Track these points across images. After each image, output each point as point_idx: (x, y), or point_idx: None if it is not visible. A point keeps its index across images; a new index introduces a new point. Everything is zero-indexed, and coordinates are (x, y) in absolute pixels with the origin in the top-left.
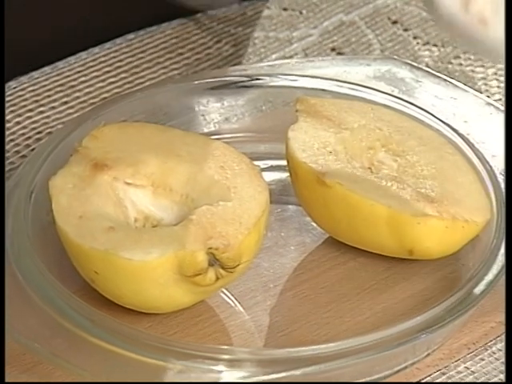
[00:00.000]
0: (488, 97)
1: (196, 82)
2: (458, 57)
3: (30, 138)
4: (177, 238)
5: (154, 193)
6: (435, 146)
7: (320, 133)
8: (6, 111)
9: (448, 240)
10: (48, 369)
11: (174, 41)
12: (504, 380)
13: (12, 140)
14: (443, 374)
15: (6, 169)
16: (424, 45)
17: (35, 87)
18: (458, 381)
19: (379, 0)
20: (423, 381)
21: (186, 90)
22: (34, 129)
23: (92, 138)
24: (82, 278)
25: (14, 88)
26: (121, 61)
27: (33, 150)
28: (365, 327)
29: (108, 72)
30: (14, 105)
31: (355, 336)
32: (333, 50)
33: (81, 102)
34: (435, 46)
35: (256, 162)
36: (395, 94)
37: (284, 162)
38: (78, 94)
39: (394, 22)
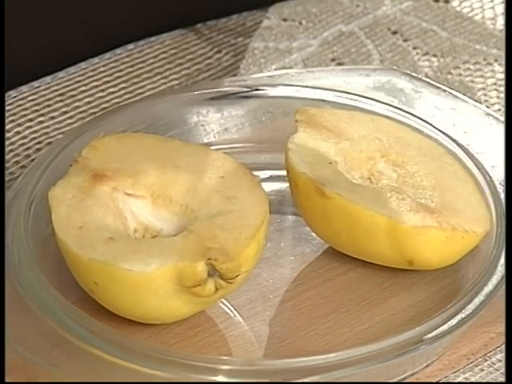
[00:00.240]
0: (487, 107)
1: (196, 93)
2: (457, 67)
3: (29, 148)
4: (176, 249)
5: (154, 203)
6: (435, 157)
7: (320, 143)
8: (6, 120)
9: (448, 250)
10: (47, 379)
11: (174, 51)
12: None
13: (12, 150)
14: None
15: (6, 179)
16: (423, 55)
17: (35, 96)
18: None
19: (379, 10)
20: None
21: (186, 100)
22: (33, 139)
23: (92, 148)
24: (81, 289)
25: (14, 97)
26: (121, 71)
27: (32, 160)
28: (364, 338)
29: (108, 82)
30: (14, 114)
31: (355, 346)
32: (332, 60)
33: (80, 112)
34: (435, 56)
35: (256, 173)
36: (395, 104)
37: (284, 173)
38: (77, 104)
39: (394, 33)
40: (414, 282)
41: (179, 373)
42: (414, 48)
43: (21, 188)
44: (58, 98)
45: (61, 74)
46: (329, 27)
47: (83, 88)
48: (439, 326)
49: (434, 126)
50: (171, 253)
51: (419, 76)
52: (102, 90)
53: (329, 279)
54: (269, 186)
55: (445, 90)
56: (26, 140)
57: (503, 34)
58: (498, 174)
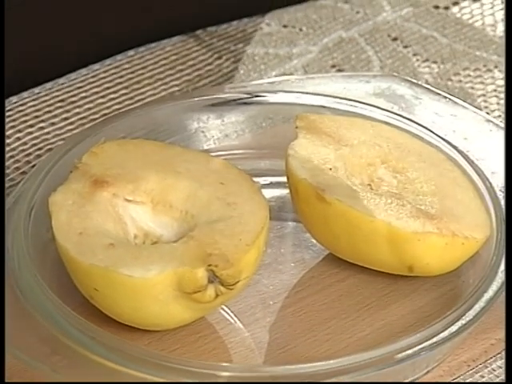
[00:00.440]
0: (488, 113)
1: (196, 99)
2: (457, 73)
3: (30, 154)
4: (176, 255)
5: (154, 209)
6: (435, 163)
7: (320, 149)
8: (7, 126)
9: (448, 257)
10: None
11: (175, 57)
12: None
13: (12, 156)
14: None
15: (6, 185)
16: (424, 62)
17: (36, 102)
18: None
19: (379, 17)
20: None
21: (186, 106)
22: (34, 145)
23: (92, 154)
24: (81, 295)
25: (15, 103)
26: (121, 77)
27: (33, 166)
28: (364, 344)
29: (108, 88)
30: (15, 120)
31: (355, 353)
32: (333, 66)
33: (81, 118)
34: (435, 62)
35: (256, 179)
36: (395, 110)
37: (284, 179)
38: (78, 110)
39: (394, 39)
40: (414, 289)
41: (179, 379)
42: (414, 54)
43: (21, 194)
44: (59, 104)
45: (61, 80)
46: (329, 33)
47: (84, 94)
48: (439, 332)
49: (434, 133)
50: (171, 259)
51: (419, 82)
52: (103, 97)
53: (329, 285)
54: (269, 193)
55: (445, 97)
56: (26, 146)
57: (503, 41)
58: (498, 180)
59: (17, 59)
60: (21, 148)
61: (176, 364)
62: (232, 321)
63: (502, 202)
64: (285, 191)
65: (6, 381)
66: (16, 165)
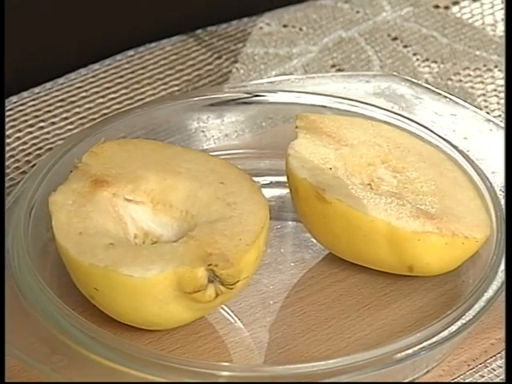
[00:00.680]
0: (488, 113)
1: (196, 99)
2: (457, 73)
3: (30, 153)
4: (176, 255)
5: (154, 209)
6: (435, 163)
7: (320, 149)
8: (7, 126)
9: (448, 256)
10: None
11: (174, 57)
12: None
13: (12, 156)
14: None
15: (6, 185)
16: (424, 61)
17: (36, 102)
18: None
19: (379, 17)
20: None
21: (186, 106)
22: (34, 144)
23: (92, 154)
24: (81, 295)
25: (15, 103)
26: (121, 77)
27: (33, 166)
28: (365, 344)
29: (108, 88)
30: (15, 120)
31: (355, 352)
32: (333, 66)
33: (81, 118)
34: (435, 62)
35: (256, 179)
36: (395, 110)
37: (284, 179)
38: (78, 110)
39: (394, 39)
40: (414, 288)
41: (179, 379)
42: (414, 54)
43: (21, 194)
44: (59, 104)
45: (61, 80)
46: (329, 33)
47: (84, 94)
48: (439, 332)
49: (434, 132)
50: (171, 258)
51: (419, 82)
52: (103, 96)
53: (329, 285)
54: (269, 192)
55: (445, 96)
56: (26, 146)
57: (503, 41)
58: (498, 180)
59: (17, 59)
60: (21, 148)
61: (176, 364)
62: (232, 320)
63: (502, 202)
64: (285, 191)
65: (6, 381)
66: (16, 164)
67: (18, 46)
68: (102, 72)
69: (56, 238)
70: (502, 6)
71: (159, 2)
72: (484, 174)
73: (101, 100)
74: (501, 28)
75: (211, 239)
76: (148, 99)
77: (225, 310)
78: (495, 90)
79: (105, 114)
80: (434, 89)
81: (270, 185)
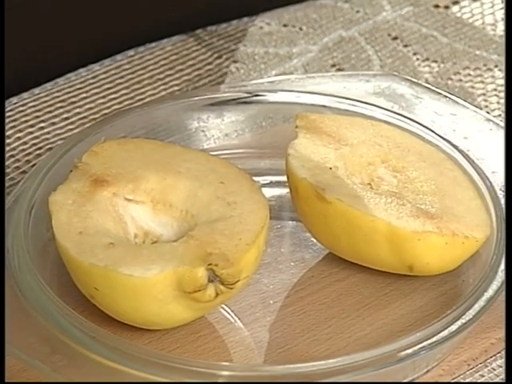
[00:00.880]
0: (488, 113)
1: (196, 98)
2: (457, 73)
3: (30, 153)
4: (176, 254)
5: (154, 209)
6: (435, 162)
7: (320, 149)
8: (7, 126)
9: (448, 256)
10: None
11: (174, 57)
12: None
13: (12, 156)
14: None
15: (6, 184)
16: (424, 61)
17: (36, 103)
18: None
19: (379, 16)
20: None
21: (186, 106)
22: (34, 144)
23: (92, 153)
24: (81, 294)
25: (15, 103)
26: (121, 77)
27: (33, 165)
28: (365, 343)
29: (108, 89)
30: (15, 120)
31: (355, 352)
32: (333, 66)
33: (81, 118)
34: (435, 62)
35: (256, 178)
36: (395, 110)
37: (284, 178)
38: (78, 110)
39: (394, 38)
40: (414, 288)
41: (179, 378)
42: (415, 54)
43: (21, 193)
44: (59, 105)
45: (62, 80)
46: (329, 33)
47: (84, 95)
48: (439, 331)
49: (434, 132)
50: (171, 258)
51: (419, 82)
52: (103, 97)
53: (329, 285)
54: (269, 192)
55: (445, 96)
56: (26, 146)
57: (503, 40)
58: (499, 180)
59: (17, 59)
60: (21, 148)
61: (176, 363)
62: (232, 320)
63: (502, 202)
64: (285, 190)
65: (6, 381)
66: (16, 164)
67: (17, 46)
68: (103, 72)
69: (56, 237)
70: (502, 5)
71: (159, 2)
72: (484, 173)
73: (101, 100)
74: (501, 27)
75: (211, 239)
76: (148, 99)
77: (225, 310)
78: (495, 90)
79: (105, 115)
80: (434, 88)
81: (270, 184)
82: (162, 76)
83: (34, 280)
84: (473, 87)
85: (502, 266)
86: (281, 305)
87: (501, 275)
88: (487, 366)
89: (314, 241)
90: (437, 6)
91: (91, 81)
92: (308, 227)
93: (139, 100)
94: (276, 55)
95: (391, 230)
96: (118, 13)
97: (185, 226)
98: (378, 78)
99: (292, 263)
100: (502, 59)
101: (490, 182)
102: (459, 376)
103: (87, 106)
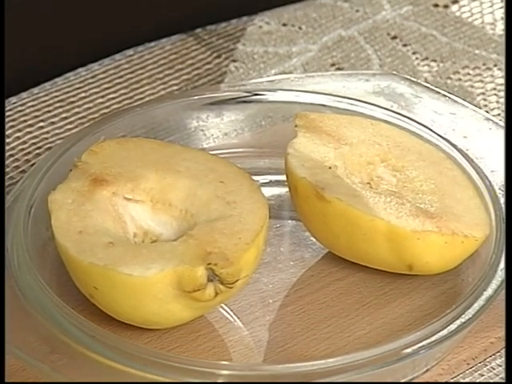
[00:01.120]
0: (487, 112)
1: (195, 98)
2: (457, 72)
3: (29, 153)
4: (176, 254)
5: (154, 208)
6: (434, 162)
7: (319, 148)
8: (6, 126)
9: (447, 255)
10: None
11: (174, 56)
12: None
13: (12, 155)
14: None
15: (6, 184)
16: (423, 60)
17: (35, 102)
18: None
19: (378, 15)
20: None
21: (186, 105)
22: (33, 144)
23: (91, 153)
24: (81, 294)
25: (14, 103)
26: (120, 77)
27: (32, 165)
28: (364, 342)
29: (107, 88)
30: (14, 120)
31: (354, 351)
32: (332, 65)
33: (80, 118)
34: (434, 61)
35: (255, 177)
36: (394, 109)
37: (283, 177)
38: (77, 110)
39: (393, 38)
40: (413, 287)
41: (178, 377)
42: (414, 53)
43: (20, 192)
44: (58, 104)
45: (60, 80)
46: (328, 32)
47: (83, 94)
48: (439, 330)
49: (433, 131)
50: (171, 257)
51: (419, 81)
52: (102, 96)
53: (328, 284)
54: (268, 191)
55: (444, 95)
56: (25, 145)
57: (503, 39)
58: (498, 179)
59: (16, 59)
60: (20, 147)
61: (175, 362)
62: (231, 319)
63: (502, 201)
64: (284, 190)
65: (6, 380)
66: (15, 163)
67: (17, 46)
68: (102, 72)
69: (55, 236)
70: (502, 4)
71: (158, 2)
72: (483, 172)
73: (100, 100)
74: (500, 27)
75: (211, 238)
76: (147, 99)
77: (224, 309)
78: (494, 89)
79: (104, 114)
80: (433, 88)
81: (270, 184)
82: (161, 75)
83: (34, 279)
84: (472, 86)
85: (502, 265)
86: (280, 304)
87: (500, 274)
88: (487, 365)
89: (314, 240)
90: (436, 6)
91: (90, 80)
92: (307, 226)
93: (138, 99)
94: (275, 54)
95: (391, 229)
96: (117, 12)
97: (184, 225)
98: (378, 78)
99: (291, 262)
100: (502, 58)
101: (490, 181)
102: (459, 375)
103: (86, 106)
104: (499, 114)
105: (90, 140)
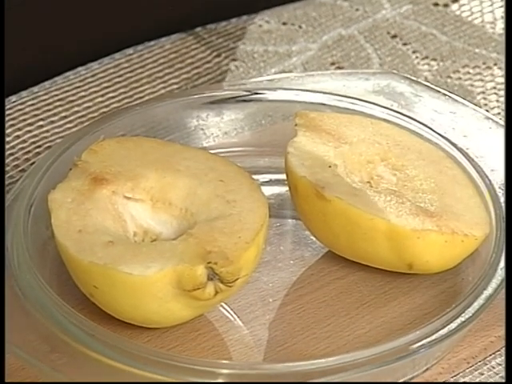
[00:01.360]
0: (487, 111)
1: (195, 97)
2: (457, 71)
3: (29, 152)
4: (176, 253)
5: (153, 207)
6: (434, 160)
7: (319, 147)
8: (6, 125)
9: (447, 254)
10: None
11: (173, 55)
12: None
13: (11, 154)
14: None
15: (6, 182)
16: (423, 59)
17: (35, 101)
18: None
19: (378, 14)
20: None
21: (186, 104)
22: (33, 143)
23: (91, 152)
24: (81, 293)
25: (14, 102)
26: (120, 76)
27: (32, 164)
28: (364, 341)
29: (107, 87)
30: (14, 118)
31: (354, 350)
32: (332, 64)
33: (80, 117)
34: (434, 60)
35: (255, 176)
36: (394, 108)
37: (283, 176)
38: (77, 109)
39: (393, 37)
40: (413, 286)
41: (178, 376)
42: (414, 52)
43: (20, 191)
44: (58, 103)
45: (60, 79)
46: (328, 31)
47: (83, 93)
48: (439, 329)
49: (433, 130)
50: (171, 256)
51: (419, 80)
52: (102, 95)
53: (328, 283)
54: (268, 190)
55: (444, 94)
56: (25, 144)
57: (503, 38)
58: (498, 178)
59: (15, 58)
60: (20, 146)
61: (175, 361)
62: (231, 318)
63: (502, 200)
64: (284, 189)
65: (6, 379)
66: (15, 162)
67: (17, 45)
68: (101, 71)
69: (55, 235)
70: (502, 3)
71: (158, 1)
72: (483, 171)
73: (100, 99)
74: (500, 26)
75: (210, 237)
76: (147, 98)
77: (224, 308)
78: (495, 88)
79: (104, 113)
80: (433, 87)
81: (270, 183)
82: (161, 74)
83: (34, 278)
84: (472, 85)
85: (502, 264)
86: (280, 303)
87: (500, 273)
88: (487, 364)
89: (314, 239)
90: (436, 4)
91: (90, 79)
92: (307, 225)
93: (138, 98)
94: (275, 53)
95: (390, 228)
96: (116, 11)
97: (184, 224)
98: (378, 76)
99: (291, 261)
100: (502, 57)
101: (490, 180)
102: (458, 374)
103: (86, 105)
104: (499, 113)
105: (89, 139)
